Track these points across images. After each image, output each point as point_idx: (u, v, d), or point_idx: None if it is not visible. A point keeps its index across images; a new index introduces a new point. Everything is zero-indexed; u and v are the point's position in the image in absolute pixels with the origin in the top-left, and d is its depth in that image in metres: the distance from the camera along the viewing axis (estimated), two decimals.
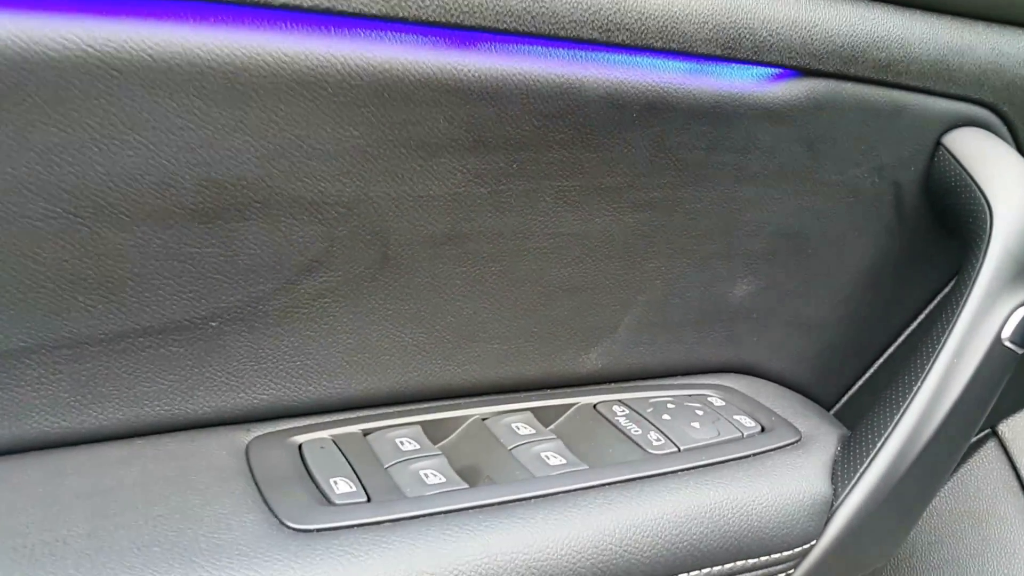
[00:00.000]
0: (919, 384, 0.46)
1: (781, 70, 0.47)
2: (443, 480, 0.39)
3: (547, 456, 0.42)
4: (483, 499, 0.38)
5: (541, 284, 0.46)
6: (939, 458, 0.47)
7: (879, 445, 0.46)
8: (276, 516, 0.35)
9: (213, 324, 0.38)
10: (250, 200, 0.36)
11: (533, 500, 0.39)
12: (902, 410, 0.46)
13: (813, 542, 0.45)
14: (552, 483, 0.40)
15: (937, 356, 0.46)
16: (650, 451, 0.44)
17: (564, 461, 0.42)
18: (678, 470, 0.43)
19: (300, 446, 0.40)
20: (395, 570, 0.34)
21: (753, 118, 0.46)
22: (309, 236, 0.38)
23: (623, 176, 0.44)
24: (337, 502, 0.36)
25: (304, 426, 0.41)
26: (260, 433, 0.40)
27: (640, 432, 0.45)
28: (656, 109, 0.42)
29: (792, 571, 0.45)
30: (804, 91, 0.47)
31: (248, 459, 0.38)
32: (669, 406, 0.48)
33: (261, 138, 0.35)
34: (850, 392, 0.62)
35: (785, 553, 0.44)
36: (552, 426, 0.46)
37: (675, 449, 0.45)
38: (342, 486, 0.37)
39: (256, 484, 0.37)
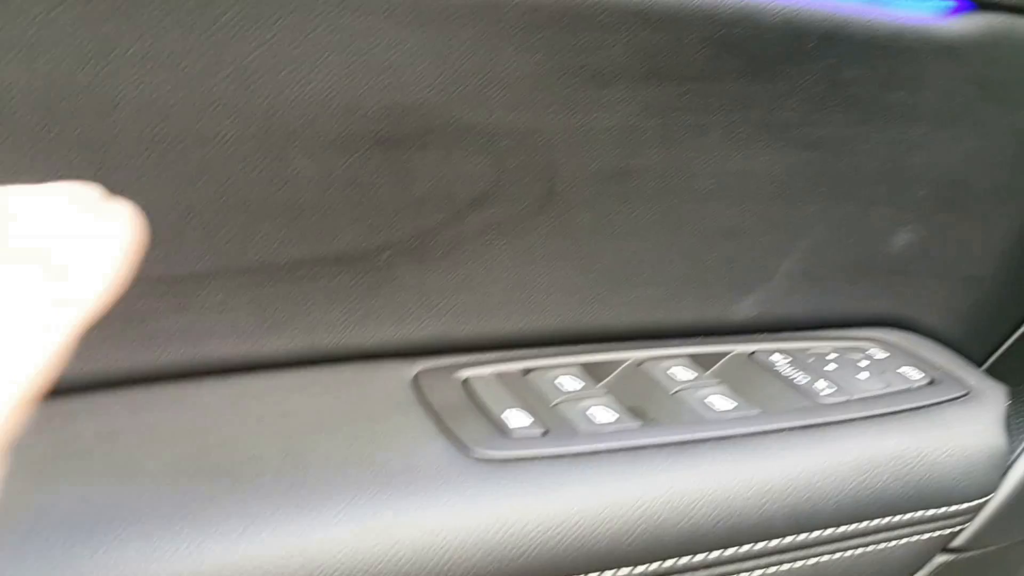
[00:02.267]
0: None
1: (958, 2, 0.44)
2: (615, 418, 0.38)
3: (714, 400, 0.41)
4: (659, 438, 0.37)
5: (701, 226, 0.44)
6: None
7: None
8: (459, 444, 0.35)
9: (384, 255, 0.38)
10: (428, 128, 0.36)
11: (710, 442, 0.38)
12: None
13: (991, 495, 0.43)
14: (726, 427, 0.39)
15: None
16: (820, 400, 0.43)
17: (734, 405, 0.41)
18: (853, 419, 0.41)
19: (465, 380, 0.40)
20: (578, 503, 0.34)
21: (927, 53, 0.43)
22: (479, 168, 0.38)
23: (793, 112, 0.43)
24: (515, 435, 0.36)
25: (466, 361, 0.41)
26: (425, 367, 0.40)
27: (807, 381, 0.44)
28: (833, 40, 0.41)
29: (968, 524, 0.43)
30: (981, 25, 0.44)
31: (418, 390, 0.38)
32: (831, 356, 0.47)
33: (443, 64, 0.35)
34: (1001, 350, 0.59)
35: (964, 505, 0.42)
36: (710, 371, 0.45)
37: (846, 398, 0.43)
38: (518, 419, 0.37)
39: (434, 413, 0.37)
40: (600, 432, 0.37)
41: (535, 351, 0.43)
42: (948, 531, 0.42)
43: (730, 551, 0.36)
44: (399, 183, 0.37)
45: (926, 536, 0.42)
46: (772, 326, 0.50)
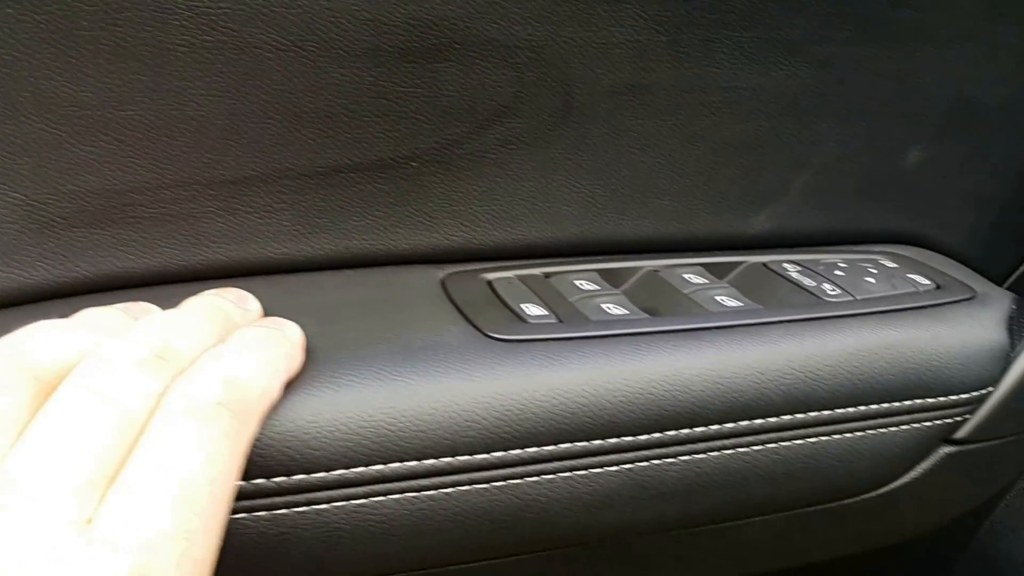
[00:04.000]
0: None
1: None
2: (627, 312, 0.41)
3: (723, 299, 0.43)
4: (666, 326, 0.40)
5: (715, 140, 0.46)
6: None
7: None
8: (479, 328, 0.38)
9: (413, 164, 0.41)
10: (450, 41, 0.39)
11: (715, 330, 0.40)
12: None
13: (991, 388, 0.45)
14: (731, 318, 0.41)
15: None
16: (825, 299, 0.45)
17: (741, 304, 0.43)
18: (856, 314, 0.43)
19: (490, 281, 0.43)
20: (588, 379, 0.37)
21: None
22: (500, 80, 0.41)
23: (802, 29, 0.44)
24: (531, 321, 0.39)
25: (491, 266, 0.44)
26: (453, 270, 0.43)
27: (814, 284, 0.46)
28: None
29: (969, 416, 0.45)
30: None
31: (445, 289, 0.42)
32: (841, 264, 0.49)
33: None
34: (1020, 270, 0.60)
35: (963, 396, 0.44)
36: (725, 279, 0.48)
37: (851, 298, 0.45)
38: (534, 310, 0.40)
39: (457, 306, 0.40)
40: (611, 320, 0.40)
41: (556, 259, 0.46)
42: (949, 421, 0.44)
43: (728, 426, 0.39)
44: (425, 95, 0.40)
45: (926, 424, 0.44)
46: (787, 241, 0.52)
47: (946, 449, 0.46)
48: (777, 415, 0.40)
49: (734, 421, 0.39)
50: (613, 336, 0.39)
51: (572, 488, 0.37)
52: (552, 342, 0.38)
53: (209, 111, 0.37)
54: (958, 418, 0.45)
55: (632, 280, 0.46)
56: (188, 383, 0.29)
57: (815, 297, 0.45)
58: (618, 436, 0.37)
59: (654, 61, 0.43)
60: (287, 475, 0.33)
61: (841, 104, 0.48)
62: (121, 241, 0.38)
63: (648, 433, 0.37)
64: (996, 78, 0.50)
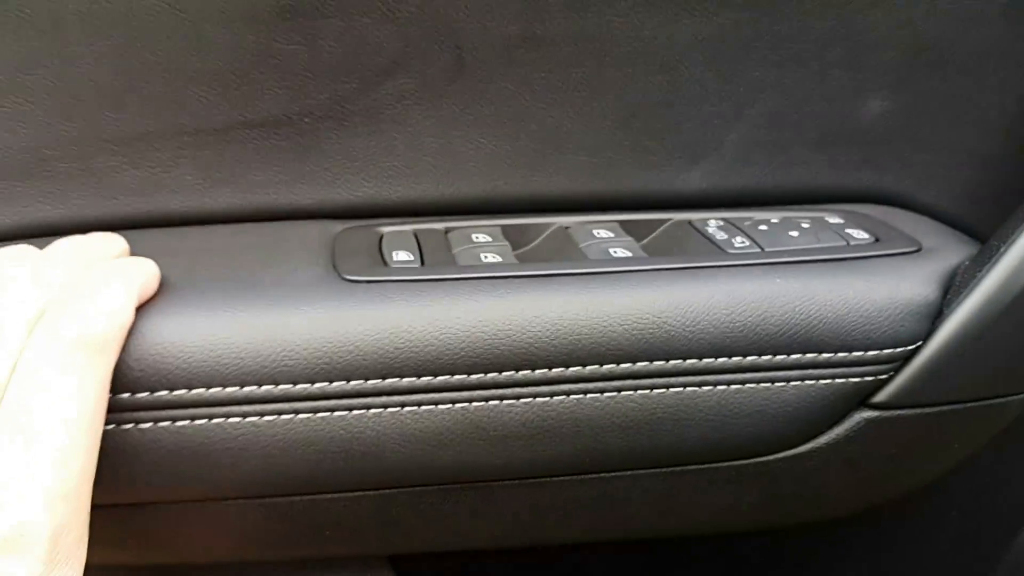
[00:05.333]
0: None
1: None
2: (500, 261, 0.41)
3: (614, 251, 0.42)
4: (529, 271, 0.40)
5: (629, 93, 0.45)
6: None
7: (1002, 252, 0.40)
8: (337, 271, 0.39)
9: (307, 121, 0.43)
10: None
11: (579, 276, 0.39)
12: None
13: (914, 346, 0.40)
14: (603, 265, 0.40)
15: None
16: (728, 250, 0.42)
17: (629, 255, 0.42)
18: (752, 264, 0.41)
19: (382, 235, 0.44)
20: (420, 318, 0.37)
21: None
22: (384, 35, 0.42)
23: None
24: (392, 265, 0.40)
25: (392, 222, 0.45)
26: (352, 225, 0.45)
27: (725, 238, 0.44)
28: None
29: (887, 378, 0.41)
30: None
31: (334, 241, 0.43)
32: (772, 220, 0.46)
33: None
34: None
35: (882, 352, 0.40)
36: (642, 242, 0.46)
37: (757, 250, 0.42)
38: (402, 255, 0.41)
39: (333, 254, 0.41)
40: (472, 266, 0.40)
41: (464, 216, 0.47)
42: (866, 380, 0.41)
43: (572, 370, 0.38)
44: (308, 52, 0.42)
45: (838, 382, 0.40)
46: (732, 199, 0.49)
47: (865, 414, 0.42)
48: (631, 361, 0.38)
49: (579, 365, 0.38)
50: (467, 279, 0.39)
51: (402, 424, 0.37)
52: (405, 283, 0.38)
53: (104, 72, 0.40)
54: (877, 377, 0.41)
55: (540, 236, 0.46)
56: (53, 315, 0.33)
57: (718, 249, 0.43)
58: (449, 374, 0.37)
59: (546, 12, 0.42)
60: (150, 391, 0.36)
61: (772, 50, 0.45)
62: (41, 193, 0.43)
63: (482, 373, 0.37)
64: (957, 18, 0.45)
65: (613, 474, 0.41)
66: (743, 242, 0.43)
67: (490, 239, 0.44)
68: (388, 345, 0.36)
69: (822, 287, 0.40)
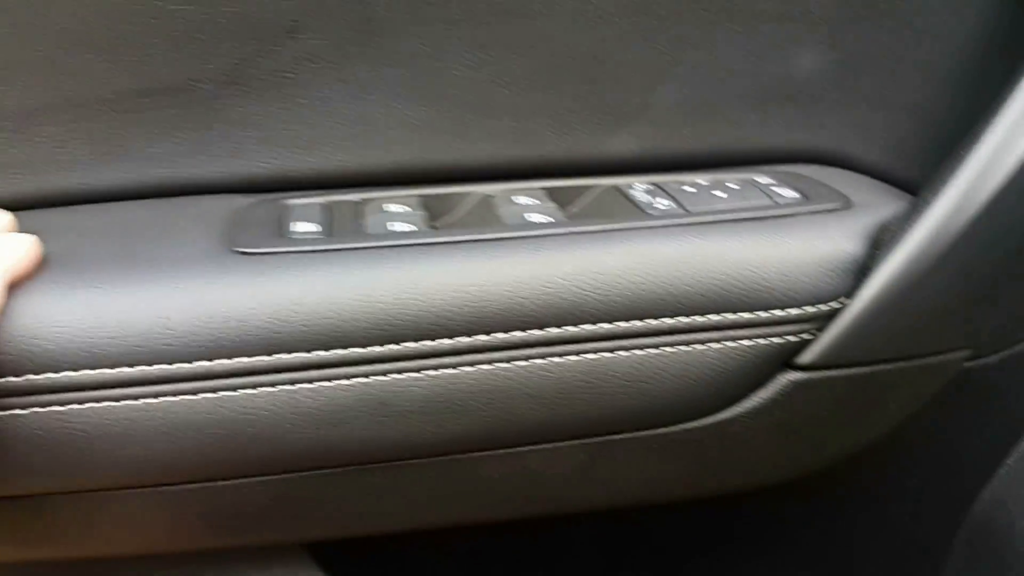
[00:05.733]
0: (985, 133, 0.38)
1: None
2: (413, 229, 0.39)
3: (531, 216, 0.40)
4: (436, 239, 0.38)
5: (550, 52, 0.43)
6: (1011, 227, 0.38)
7: (931, 204, 0.38)
8: (228, 243, 0.37)
9: (206, 87, 0.41)
10: None
11: (488, 242, 0.37)
12: (962, 165, 0.38)
13: (838, 304, 0.39)
14: (515, 230, 0.38)
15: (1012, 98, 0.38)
16: (649, 211, 0.41)
17: (547, 220, 0.40)
18: (674, 224, 0.39)
19: (289, 207, 0.42)
20: (314, 289, 0.35)
21: None
22: None
23: None
24: (291, 236, 0.38)
25: (301, 194, 0.43)
26: (260, 199, 0.43)
27: (647, 200, 0.42)
28: None
29: (810, 338, 0.39)
30: None
31: (236, 215, 0.41)
32: (700, 182, 0.44)
33: None
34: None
35: (804, 310, 0.38)
36: (568, 209, 0.44)
37: (680, 212, 0.41)
38: (303, 226, 0.39)
39: (230, 227, 0.39)
40: (381, 235, 0.38)
41: (381, 187, 0.44)
42: (789, 340, 0.39)
43: (480, 338, 0.36)
44: (202, 14, 0.39)
45: (760, 342, 0.39)
46: (665, 163, 0.47)
47: (791, 376, 0.40)
48: (539, 327, 0.36)
49: (485, 333, 0.36)
50: (362, 249, 0.37)
51: (296, 403, 0.35)
52: (298, 255, 0.36)
53: None
54: (800, 336, 0.39)
55: (461, 206, 0.44)
56: None
57: (639, 211, 0.41)
58: (343, 348, 0.35)
59: None
60: (17, 375, 0.34)
61: (698, 4, 0.43)
62: None
63: (380, 345, 0.35)
64: None
65: (529, 448, 0.39)
66: (666, 204, 0.41)
67: (406, 210, 0.42)
68: (276, 319, 0.34)
69: (741, 245, 0.38)
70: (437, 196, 0.44)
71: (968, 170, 0.38)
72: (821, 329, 0.39)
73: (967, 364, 0.56)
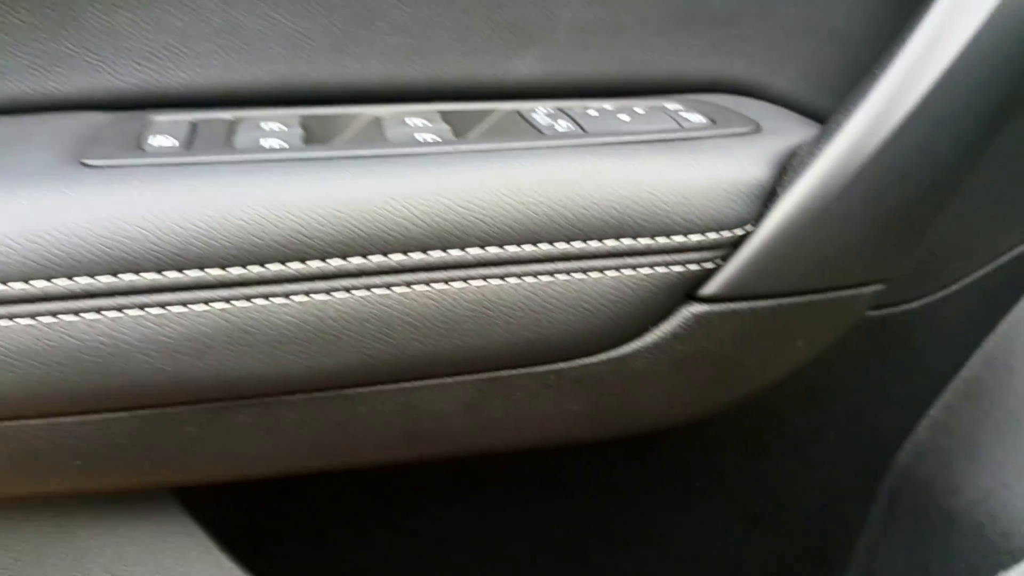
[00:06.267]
0: (896, 57, 0.36)
1: None
2: (285, 146, 0.36)
3: (420, 136, 0.37)
4: (306, 154, 0.34)
5: None
6: (922, 153, 0.36)
7: (840, 128, 0.36)
8: (77, 157, 0.33)
9: None
10: None
11: (366, 159, 0.34)
12: (872, 88, 0.36)
13: (742, 230, 0.36)
14: (397, 148, 0.35)
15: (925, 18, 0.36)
16: (545, 132, 0.38)
17: (434, 139, 0.37)
18: (571, 145, 0.36)
19: (153, 123, 0.38)
20: (173, 202, 0.31)
21: None
22: None
23: None
24: (146, 149, 0.34)
25: (169, 111, 0.39)
26: (124, 115, 0.39)
27: (548, 124, 0.39)
28: None
29: (722, 262, 0.37)
30: None
31: (95, 131, 0.37)
32: (606, 107, 0.41)
33: None
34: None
35: (707, 236, 0.36)
36: (464, 134, 0.41)
37: (580, 132, 0.38)
38: (162, 140, 0.35)
39: (82, 142, 0.35)
40: (246, 149, 0.35)
41: (262, 106, 0.41)
42: (684, 269, 0.36)
43: (354, 261, 0.32)
44: None
45: (659, 271, 0.36)
46: (572, 88, 0.44)
47: (694, 308, 0.38)
48: (421, 250, 0.33)
49: (360, 255, 0.32)
50: (224, 163, 0.33)
51: (146, 330, 0.32)
52: (151, 168, 0.33)
53: None
54: (702, 265, 0.37)
55: (347, 129, 0.40)
56: None
57: (536, 131, 0.38)
58: (200, 268, 0.31)
59: None
60: None
61: None
62: None
63: (242, 266, 0.32)
64: None
65: (412, 384, 0.36)
66: (566, 126, 0.38)
67: (283, 128, 0.38)
68: (122, 235, 0.31)
69: (642, 167, 0.35)
70: (320, 117, 0.40)
71: (878, 93, 0.36)
72: (726, 258, 0.37)
73: (890, 311, 0.54)
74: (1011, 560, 0.54)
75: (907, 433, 0.64)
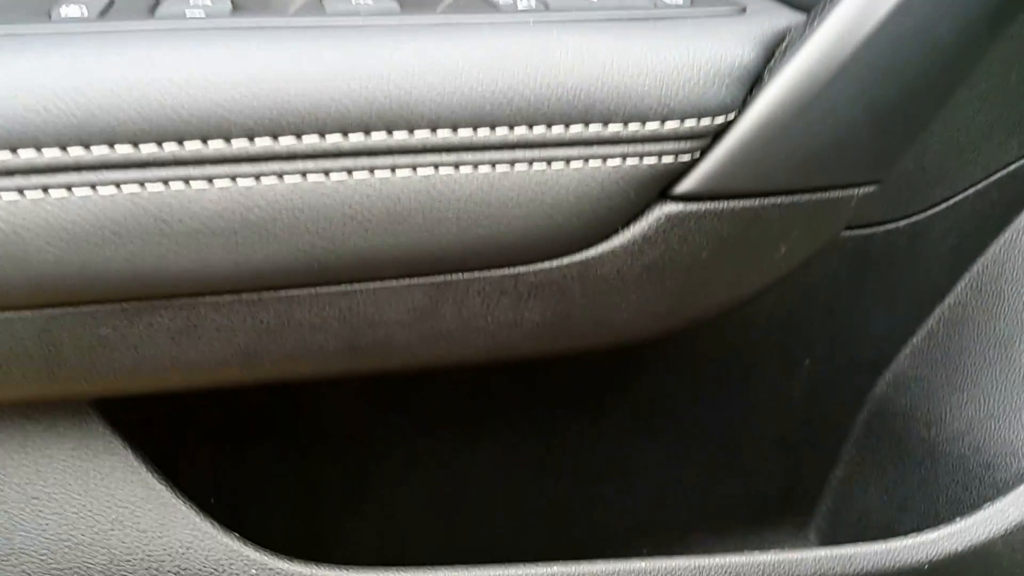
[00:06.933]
0: None
1: None
2: (212, 15, 0.31)
3: (363, 6, 0.33)
4: (236, 23, 0.30)
5: None
6: (922, 38, 0.33)
7: (834, 7, 0.32)
8: None
9: None
10: None
11: (302, 30, 0.30)
12: None
13: (730, 116, 0.33)
14: (335, 18, 0.31)
15: None
16: (503, 8, 0.34)
17: (380, 11, 0.33)
18: (529, 21, 0.32)
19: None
20: (76, 69, 0.27)
21: None
22: None
23: None
24: (54, 17, 0.30)
25: None
26: None
27: (511, 2, 0.35)
28: None
29: (700, 155, 0.34)
30: None
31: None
32: None
33: None
34: None
35: (683, 124, 0.32)
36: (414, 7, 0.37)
37: (542, 8, 0.34)
38: (72, 9, 0.31)
39: None
40: (163, 18, 0.30)
41: None
42: (657, 161, 0.33)
43: (286, 141, 0.29)
44: None
45: (623, 163, 0.32)
46: None
47: (668, 207, 0.34)
48: (362, 131, 0.29)
49: (293, 135, 0.29)
50: (136, 32, 0.29)
51: (46, 215, 0.28)
52: (54, 37, 0.29)
53: None
54: (678, 158, 0.33)
55: (289, 4, 0.36)
56: None
57: (494, 7, 0.34)
58: (107, 145, 0.27)
59: None
60: None
61: None
62: None
63: (155, 144, 0.28)
64: None
65: (355, 287, 0.33)
66: (527, 3, 0.34)
67: (210, 2, 0.34)
68: (20, 107, 0.27)
69: (612, 45, 0.32)
70: None
71: None
72: (705, 151, 0.33)
73: (873, 230, 0.51)
74: (995, 493, 0.52)
75: (887, 362, 0.62)
